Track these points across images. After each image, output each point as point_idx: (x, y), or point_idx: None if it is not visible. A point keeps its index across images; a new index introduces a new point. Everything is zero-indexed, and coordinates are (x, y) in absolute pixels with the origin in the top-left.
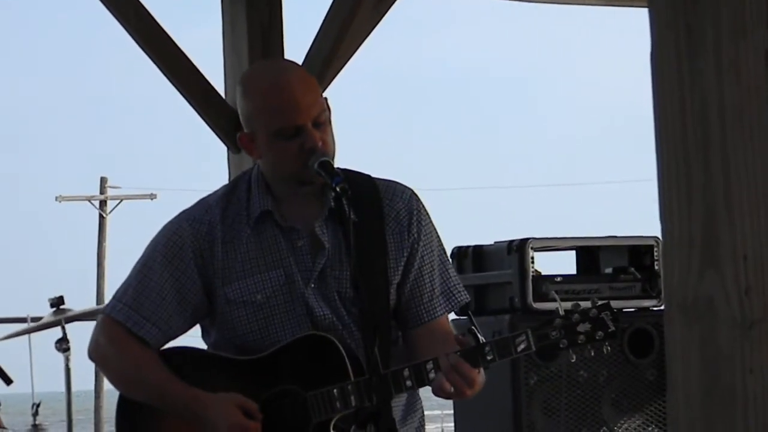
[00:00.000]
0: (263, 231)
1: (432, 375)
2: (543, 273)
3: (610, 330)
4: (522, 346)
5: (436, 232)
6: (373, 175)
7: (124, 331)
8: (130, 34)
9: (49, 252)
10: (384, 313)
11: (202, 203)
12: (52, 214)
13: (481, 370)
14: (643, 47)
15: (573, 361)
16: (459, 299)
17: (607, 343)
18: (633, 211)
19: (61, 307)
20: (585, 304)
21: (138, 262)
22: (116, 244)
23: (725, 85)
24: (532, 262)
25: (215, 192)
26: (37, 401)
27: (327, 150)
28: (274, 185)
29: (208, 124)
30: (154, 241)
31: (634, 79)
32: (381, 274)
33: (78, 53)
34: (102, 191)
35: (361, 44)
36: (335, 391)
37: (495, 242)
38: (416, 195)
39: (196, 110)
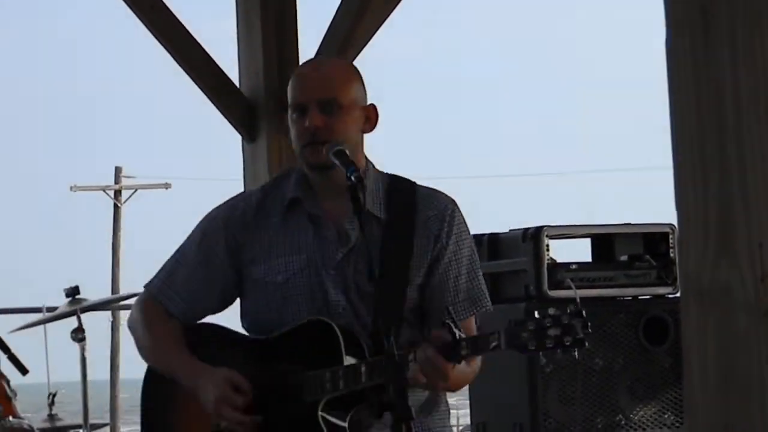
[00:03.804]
0: (292, 218)
1: (411, 365)
2: (558, 261)
3: (578, 337)
4: (494, 344)
5: (470, 242)
6: (419, 181)
7: (155, 303)
8: (146, 25)
9: (64, 242)
10: (397, 308)
11: (243, 193)
12: (67, 203)
13: (477, 363)
14: (659, 33)
15: (543, 363)
16: (482, 306)
17: (575, 350)
18: (648, 198)
19: (77, 296)
20: (560, 310)
21: (179, 245)
22: (131, 234)
23: (741, 70)
24: (547, 250)
25: (263, 183)
26: (52, 391)
27: (333, 138)
28: (308, 173)
29: (223, 114)
30: (195, 226)
31: (650, 66)
32: (402, 272)
33: (93, 43)
34: (117, 181)
35: (374, 33)
36: (328, 373)
37: (510, 230)
38: (454, 206)
39: (210, 100)
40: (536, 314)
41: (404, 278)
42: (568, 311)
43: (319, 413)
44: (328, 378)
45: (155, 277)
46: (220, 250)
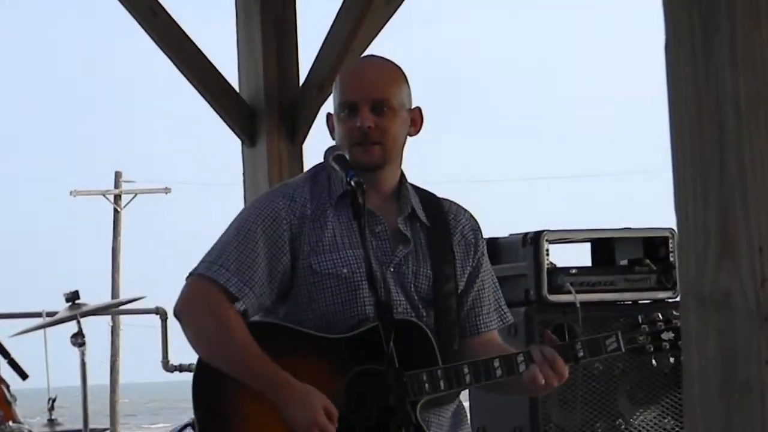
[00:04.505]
0: (344, 212)
1: (522, 367)
2: (558, 265)
3: None
4: (612, 347)
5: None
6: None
7: (221, 293)
8: (145, 30)
9: (64, 246)
10: (454, 314)
11: (292, 183)
12: (67, 208)
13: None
14: (657, 38)
15: (655, 365)
16: (507, 319)
17: None
18: (648, 202)
19: (77, 301)
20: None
21: (231, 230)
22: (131, 238)
23: (740, 76)
24: (547, 255)
25: (300, 175)
26: (52, 396)
27: (384, 139)
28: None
29: (223, 118)
30: (248, 212)
31: (650, 70)
32: (451, 279)
33: (92, 48)
34: (116, 185)
35: (374, 37)
36: (424, 375)
37: (510, 234)
38: (474, 217)
39: (210, 104)
40: (640, 318)
41: (454, 284)
42: (676, 315)
43: (418, 415)
44: (426, 379)
45: (211, 263)
46: (282, 242)
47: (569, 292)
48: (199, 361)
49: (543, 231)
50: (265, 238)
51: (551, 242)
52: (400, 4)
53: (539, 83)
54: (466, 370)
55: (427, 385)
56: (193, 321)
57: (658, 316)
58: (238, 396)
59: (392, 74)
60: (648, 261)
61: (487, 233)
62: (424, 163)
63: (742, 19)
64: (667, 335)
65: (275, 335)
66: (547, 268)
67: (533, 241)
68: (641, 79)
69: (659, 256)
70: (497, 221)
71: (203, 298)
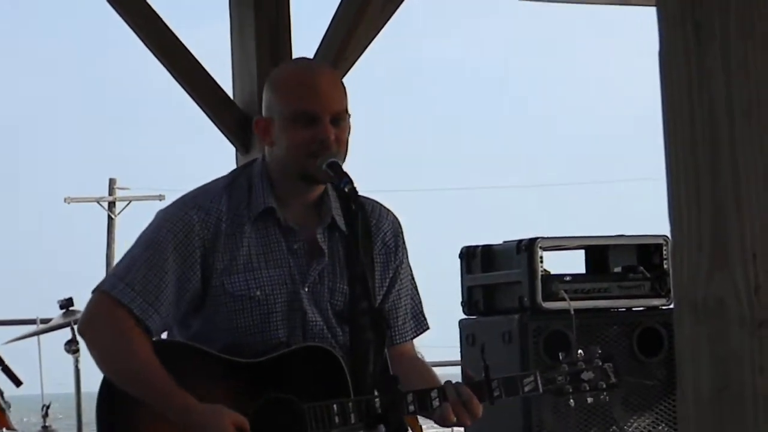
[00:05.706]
0: (264, 228)
1: (436, 403)
2: (552, 272)
3: (611, 381)
4: (530, 387)
5: (408, 259)
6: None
7: (126, 314)
8: (138, 35)
9: (58, 253)
10: (370, 332)
11: (208, 192)
12: (61, 215)
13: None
14: (651, 45)
15: (572, 406)
16: (424, 326)
17: (605, 394)
18: (642, 210)
19: (71, 308)
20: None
21: (140, 244)
22: (125, 246)
23: (734, 82)
24: (541, 262)
25: (216, 182)
26: (46, 403)
27: (339, 150)
28: (278, 184)
29: (216, 125)
30: (159, 225)
31: (643, 78)
32: (370, 291)
33: (85, 53)
34: (111, 192)
35: (368, 45)
36: (335, 406)
37: (504, 242)
38: (398, 218)
39: (204, 111)
40: (560, 356)
41: (374, 296)
42: (598, 354)
43: None
44: (337, 411)
45: (118, 279)
46: (193, 260)
47: (563, 299)
48: (103, 380)
49: (537, 238)
50: (175, 255)
51: (545, 249)
52: (393, 13)
53: (532, 90)
54: (378, 403)
55: (337, 417)
56: (96, 341)
57: (580, 354)
58: (142, 417)
59: (342, 83)
60: (642, 268)
61: (481, 240)
62: (418, 170)
63: (736, 25)
64: (588, 375)
65: (183, 356)
66: (541, 275)
67: (527, 248)
68: (639, 86)
69: (653, 263)
70: (491, 229)
71: (107, 318)
